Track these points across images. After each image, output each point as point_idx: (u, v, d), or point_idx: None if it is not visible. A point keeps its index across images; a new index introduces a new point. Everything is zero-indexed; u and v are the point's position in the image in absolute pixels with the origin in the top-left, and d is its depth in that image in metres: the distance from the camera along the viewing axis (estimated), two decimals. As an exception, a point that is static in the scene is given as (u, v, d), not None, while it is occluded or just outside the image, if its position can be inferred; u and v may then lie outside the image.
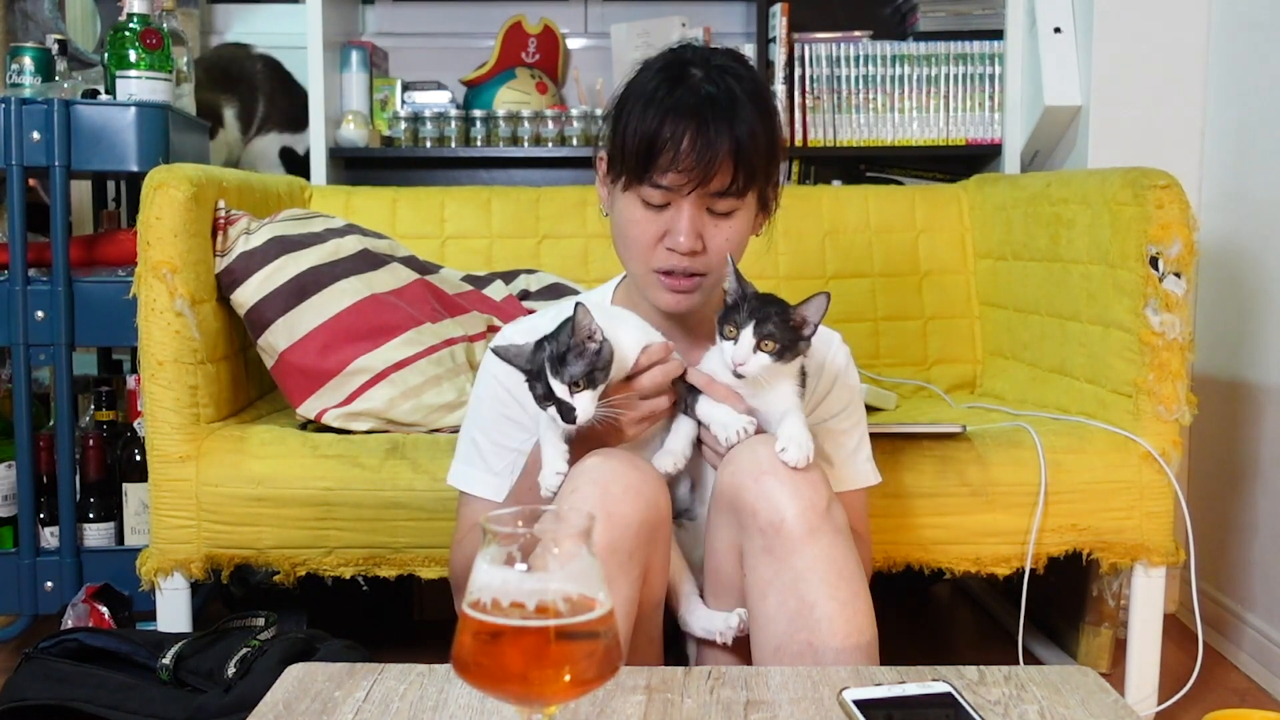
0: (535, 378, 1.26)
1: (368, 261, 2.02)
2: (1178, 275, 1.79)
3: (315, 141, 2.69)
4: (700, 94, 1.30)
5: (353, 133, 2.74)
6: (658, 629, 1.35)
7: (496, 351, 1.31)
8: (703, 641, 1.37)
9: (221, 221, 1.91)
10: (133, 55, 2.17)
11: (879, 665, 1.21)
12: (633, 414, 1.31)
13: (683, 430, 1.35)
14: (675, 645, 1.40)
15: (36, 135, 2.04)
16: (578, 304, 1.25)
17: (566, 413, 1.24)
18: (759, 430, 1.32)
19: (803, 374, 1.35)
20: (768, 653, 1.24)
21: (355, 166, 2.89)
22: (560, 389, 1.24)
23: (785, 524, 1.22)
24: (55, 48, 2.33)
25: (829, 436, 1.47)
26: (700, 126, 1.28)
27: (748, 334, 1.27)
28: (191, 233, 1.80)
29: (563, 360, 1.24)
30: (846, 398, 1.49)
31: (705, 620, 1.33)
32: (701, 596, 1.38)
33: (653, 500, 1.25)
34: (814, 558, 1.22)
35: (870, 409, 2.13)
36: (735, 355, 1.28)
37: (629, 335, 1.31)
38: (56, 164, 2.05)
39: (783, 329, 1.28)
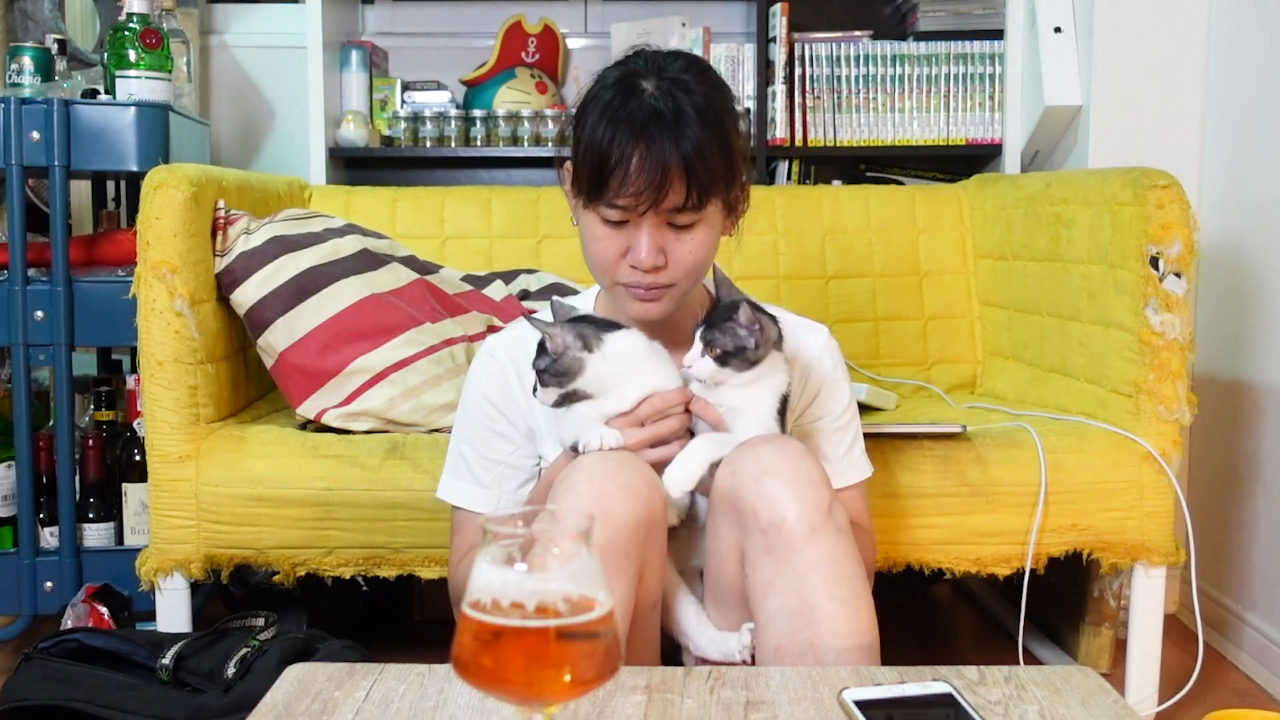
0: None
1: (367, 261, 2.02)
2: (1178, 275, 1.79)
3: (315, 141, 2.69)
4: (648, 111, 1.29)
5: (352, 132, 2.74)
6: (655, 630, 1.35)
7: (552, 302, 1.41)
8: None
9: (221, 221, 1.91)
10: (132, 55, 2.17)
11: (880, 665, 1.21)
12: (630, 440, 1.32)
13: (693, 450, 1.34)
14: (677, 648, 1.40)
15: (36, 135, 2.04)
16: (555, 302, 1.37)
17: (534, 388, 1.35)
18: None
19: (785, 396, 1.35)
20: (769, 652, 1.24)
21: (355, 166, 2.89)
22: (531, 370, 1.35)
23: (787, 524, 1.22)
24: (55, 47, 2.33)
25: (824, 435, 1.47)
26: (647, 146, 1.27)
27: (697, 339, 1.33)
28: (191, 233, 1.80)
29: (540, 347, 1.33)
30: (838, 394, 1.49)
31: (719, 643, 1.33)
32: (702, 601, 1.38)
33: (648, 500, 1.25)
34: (815, 558, 1.22)
35: (870, 409, 2.13)
36: (686, 359, 1.33)
37: (644, 383, 1.34)
38: (56, 164, 2.05)
39: (729, 334, 1.31)
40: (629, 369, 1.33)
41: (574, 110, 1.37)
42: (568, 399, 1.33)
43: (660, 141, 1.27)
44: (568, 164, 1.39)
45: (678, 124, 1.28)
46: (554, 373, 1.31)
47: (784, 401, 1.35)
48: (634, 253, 1.32)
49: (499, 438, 1.45)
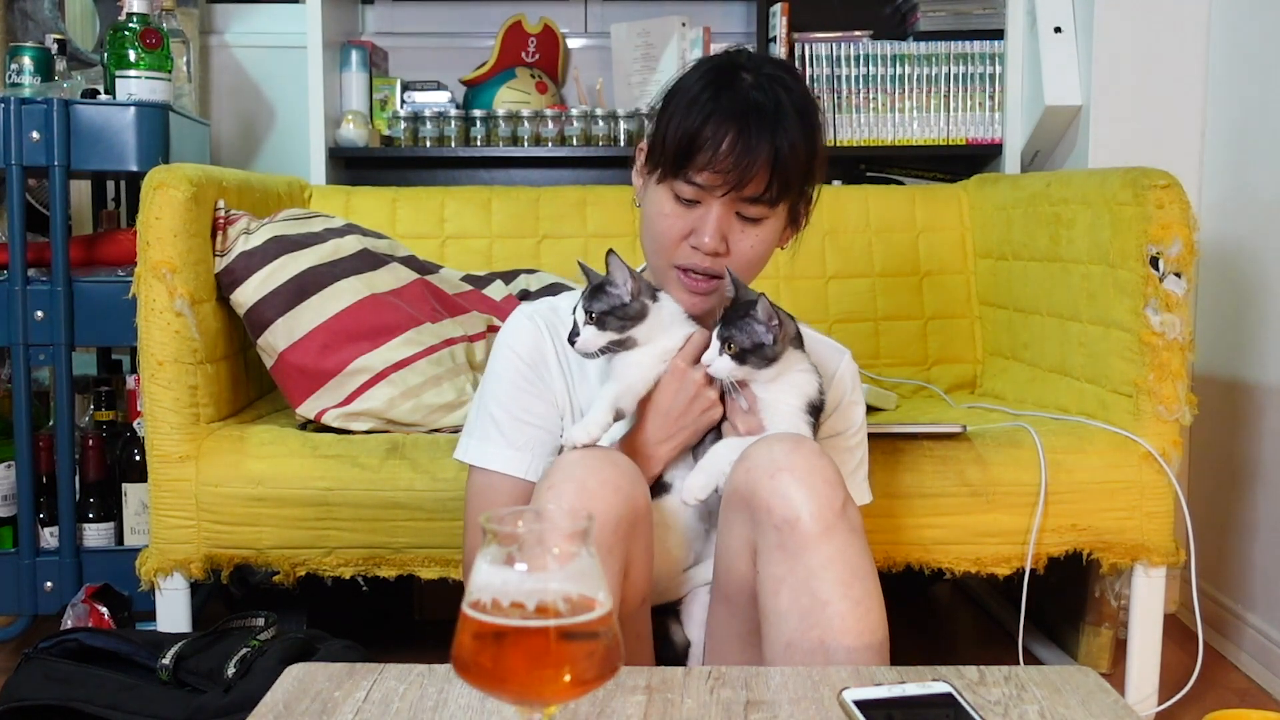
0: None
1: (367, 261, 2.02)
2: (1178, 275, 1.79)
3: (315, 141, 2.69)
4: (748, 100, 1.31)
5: (352, 132, 2.74)
6: (646, 627, 1.35)
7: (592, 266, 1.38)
8: (705, 642, 1.37)
9: (221, 221, 1.91)
10: (132, 55, 2.17)
11: (889, 665, 1.21)
12: (695, 381, 1.34)
13: (713, 458, 1.34)
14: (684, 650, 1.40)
15: (36, 135, 2.04)
16: (610, 251, 1.34)
17: (571, 333, 1.33)
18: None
19: (817, 406, 1.35)
20: (779, 649, 1.24)
21: (355, 166, 2.89)
22: (579, 313, 1.32)
23: (800, 521, 1.22)
24: (55, 47, 2.33)
25: (834, 452, 1.47)
26: (742, 130, 1.30)
27: (714, 337, 1.32)
28: (191, 233, 1.80)
29: (595, 291, 1.32)
30: (853, 415, 1.50)
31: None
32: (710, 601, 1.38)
33: (630, 495, 1.25)
34: (828, 556, 1.22)
35: (870, 409, 2.13)
36: (705, 357, 1.33)
37: (683, 331, 1.35)
38: (56, 164, 2.05)
39: (746, 331, 1.30)
40: (677, 322, 1.36)
41: (663, 93, 1.39)
42: (615, 346, 1.33)
43: (757, 129, 1.30)
44: (643, 145, 1.41)
45: (776, 117, 1.31)
46: (621, 316, 1.32)
47: (813, 409, 1.34)
48: (698, 235, 1.34)
49: (534, 398, 1.42)
